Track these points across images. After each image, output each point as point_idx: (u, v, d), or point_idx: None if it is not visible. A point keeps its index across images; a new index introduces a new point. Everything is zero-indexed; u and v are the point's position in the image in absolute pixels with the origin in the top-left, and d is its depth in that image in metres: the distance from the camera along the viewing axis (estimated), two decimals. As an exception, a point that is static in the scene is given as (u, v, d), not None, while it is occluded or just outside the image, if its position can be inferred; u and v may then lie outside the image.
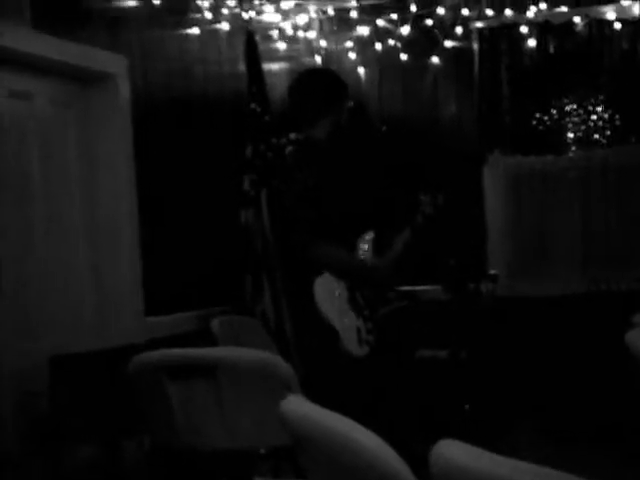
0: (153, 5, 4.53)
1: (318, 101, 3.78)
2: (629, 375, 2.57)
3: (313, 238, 3.49)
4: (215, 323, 4.04)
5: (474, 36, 5.68)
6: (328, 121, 3.79)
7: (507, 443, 4.33)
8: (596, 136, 5.65)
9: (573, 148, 5.71)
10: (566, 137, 5.71)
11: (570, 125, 5.72)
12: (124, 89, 4.28)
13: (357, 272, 3.72)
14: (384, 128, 4.39)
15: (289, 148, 3.82)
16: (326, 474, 1.68)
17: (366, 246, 3.83)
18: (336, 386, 3.27)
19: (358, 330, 3.57)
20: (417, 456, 1.56)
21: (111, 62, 4.22)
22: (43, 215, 3.99)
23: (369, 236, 3.85)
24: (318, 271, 3.53)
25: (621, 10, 5.37)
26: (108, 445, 3.62)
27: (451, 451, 1.25)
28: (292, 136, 3.89)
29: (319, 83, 3.87)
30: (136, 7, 4.44)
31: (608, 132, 5.65)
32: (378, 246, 3.87)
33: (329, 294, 3.52)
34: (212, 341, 4.24)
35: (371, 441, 1.41)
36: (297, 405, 1.72)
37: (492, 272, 5.36)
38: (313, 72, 4.41)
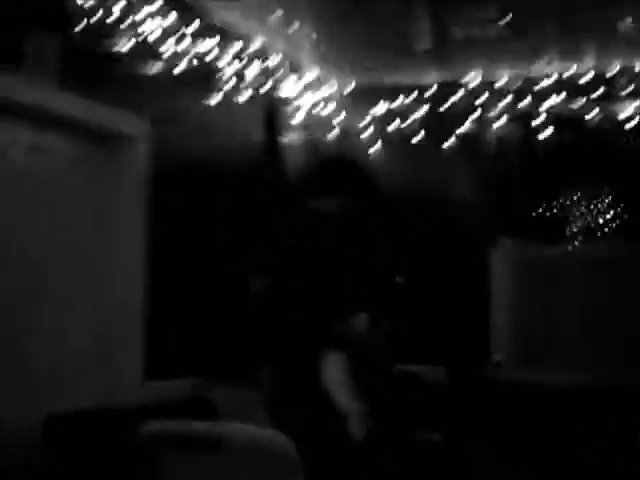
0: (178, 71, 4.58)
1: (337, 177, 3.82)
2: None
3: (328, 313, 3.50)
4: (216, 393, 4.01)
5: (489, 123, 5.75)
6: (338, 200, 3.81)
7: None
8: (602, 229, 5.70)
9: (579, 238, 5.74)
10: (573, 227, 5.75)
11: (577, 216, 5.76)
12: (143, 152, 4.30)
13: (369, 352, 3.72)
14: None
15: (297, 219, 3.85)
16: None
17: (361, 326, 3.83)
18: (338, 469, 3.22)
19: (360, 413, 3.54)
20: None
21: (132, 125, 4.25)
22: (52, 276, 3.98)
23: (363, 316, 3.85)
24: (328, 348, 3.52)
25: (636, 108, 5.44)
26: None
27: None
28: (303, 208, 3.91)
29: (343, 164, 3.95)
30: (161, 72, 4.48)
31: (614, 226, 5.69)
32: (370, 328, 3.88)
33: (336, 373, 3.50)
34: (210, 410, 4.20)
35: None
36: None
37: (496, 358, 5.35)
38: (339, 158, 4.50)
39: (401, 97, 5.82)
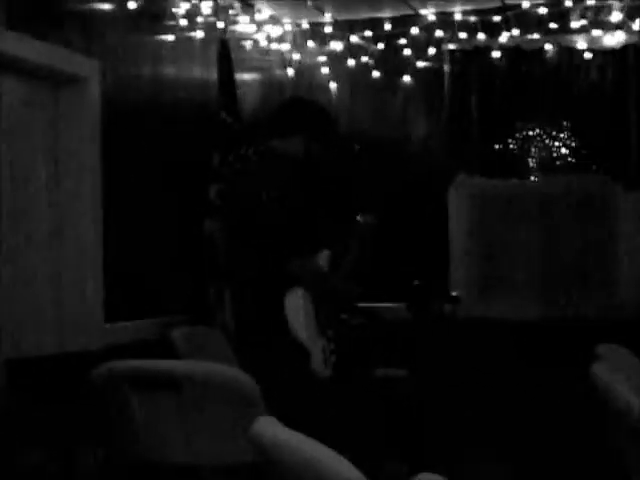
0: (129, 10, 4.50)
1: (298, 117, 3.81)
2: (592, 405, 2.59)
3: (287, 250, 3.51)
4: (177, 333, 4.01)
5: (446, 58, 5.73)
6: (301, 138, 3.80)
7: (462, 470, 4.33)
8: (559, 162, 5.72)
9: (536, 173, 5.77)
10: (530, 162, 5.78)
11: (534, 150, 5.78)
12: (95, 92, 4.24)
13: (332, 289, 3.75)
14: (357, 147, 4.39)
15: (254, 159, 3.84)
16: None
17: (323, 263, 3.85)
18: (301, 406, 3.25)
19: (323, 350, 3.57)
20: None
21: (84, 65, 4.18)
22: (6, 216, 3.93)
23: (325, 253, 3.87)
24: (289, 285, 3.53)
25: (591, 40, 5.45)
26: (61, 453, 3.56)
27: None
28: (260, 147, 3.90)
29: (305, 104, 3.94)
30: (111, 11, 4.40)
31: (571, 159, 5.72)
32: (331, 264, 3.90)
33: (298, 310, 3.53)
34: (171, 350, 4.22)
35: (350, 473, 1.40)
36: (271, 428, 1.71)
37: (454, 294, 5.39)
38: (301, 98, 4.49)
39: (357, 33, 5.76)
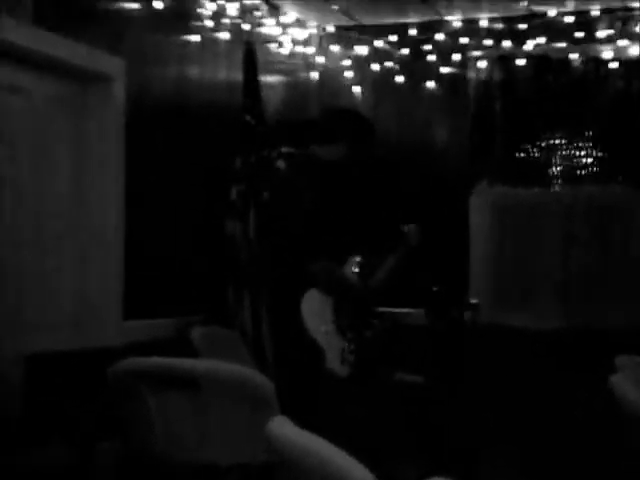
0: (155, 9, 4.52)
1: (343, 126, 3.86)
2: (609, 416, 2.58)
3: (309, 253, 3.54)
4: (195, 333, 4.03)
5: (471, 65, 5.72)
6: (343, 146, 3.86)
7: (479, 474, 4.33)
8: (582, 172, 5.70)
9: (559, 182, 5.75)
10: (553, 171, 5.76)
11: (558, 159, 5.76)
12: (120, 91, 4.26)
13: (351, 292, 3.77)
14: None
15: (280, 161, 3.86)
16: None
17: (353, 269, 3.88)
18: (318, 405, 3.27)
19: (342, 350, 3.60)
20: None
21: (109, 63, 4.20)
22: (30, 212, 3.96)
23: (357, 260, 3.90)
24: (306, 287, 3.56)
25: (617, 50, 5.43)
26: (80, 448, 3.58)
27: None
28: (284, 150, 3.92)
29: (352, 115, 4.00)
30: (138, 10, 4.42)
31: (595, 169, 5.70)
32: (363, 270, 3.93)
33: (316, 312, 3.56)
34: (190, 349, 4.23)
35: (362, 474, 1.41)
36: (283, 428, 1.71)
37: (473, 301, 5.38)
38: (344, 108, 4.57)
39: (382, 38, 5.76)
